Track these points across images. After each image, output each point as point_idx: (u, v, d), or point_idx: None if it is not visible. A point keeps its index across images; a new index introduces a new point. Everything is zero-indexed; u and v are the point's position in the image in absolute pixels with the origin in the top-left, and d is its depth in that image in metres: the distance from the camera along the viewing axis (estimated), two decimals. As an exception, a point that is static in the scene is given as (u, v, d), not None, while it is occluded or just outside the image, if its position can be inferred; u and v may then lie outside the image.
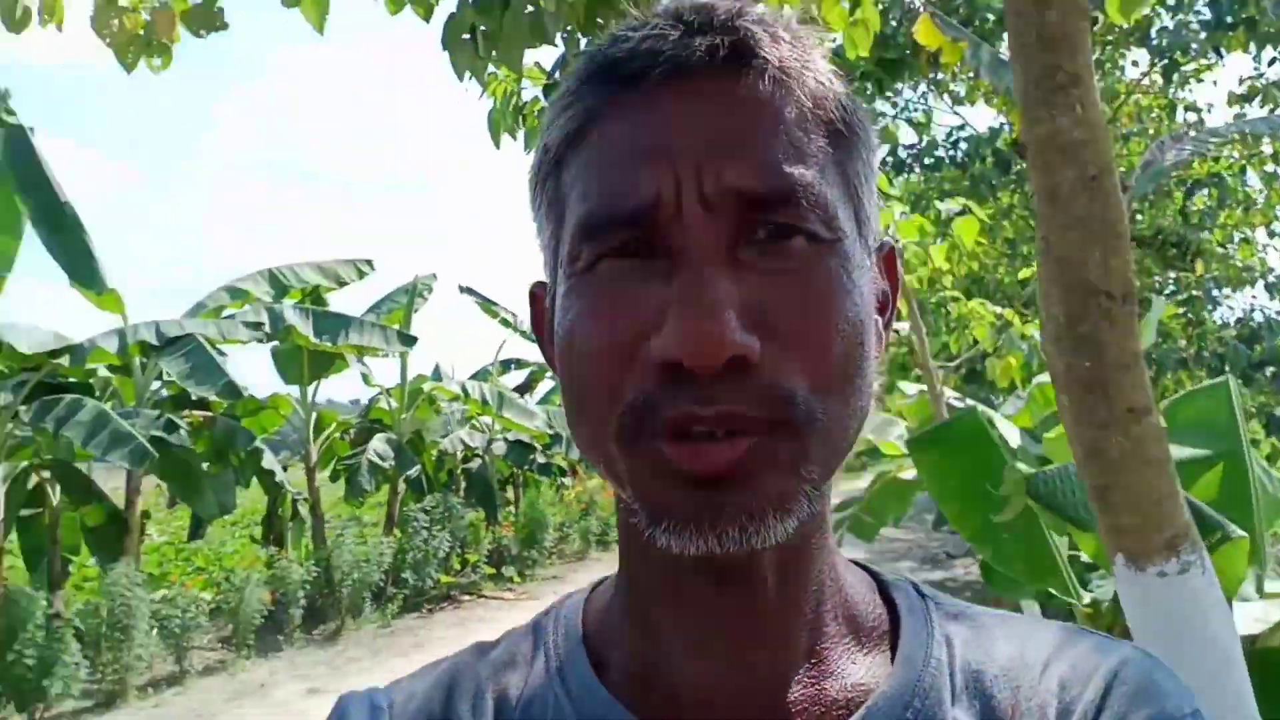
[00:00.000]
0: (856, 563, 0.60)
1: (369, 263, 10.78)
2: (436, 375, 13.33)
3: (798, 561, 0.52)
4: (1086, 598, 2.66)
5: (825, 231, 0.48)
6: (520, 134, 5.11)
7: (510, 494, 14.24)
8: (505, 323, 17.61)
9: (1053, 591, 2.67)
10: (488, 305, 17.36)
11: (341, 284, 10.39)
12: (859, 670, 0.54)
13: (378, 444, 10.19)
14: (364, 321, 9.50)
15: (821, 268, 0.48)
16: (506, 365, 19.22)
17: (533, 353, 20.34)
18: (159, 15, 3.61)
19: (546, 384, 18.98)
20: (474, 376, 14.28)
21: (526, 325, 14.35)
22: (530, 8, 3.71)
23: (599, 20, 4.00)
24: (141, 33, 3.68)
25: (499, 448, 12.13)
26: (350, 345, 9.34)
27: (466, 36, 3.82)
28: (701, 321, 0.45)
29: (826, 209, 0.49)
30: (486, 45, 3.85)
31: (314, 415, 10.42)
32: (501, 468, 13.34)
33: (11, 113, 7.92)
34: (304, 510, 10.09)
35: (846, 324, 0.48)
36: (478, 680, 0.58)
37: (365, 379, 11.20)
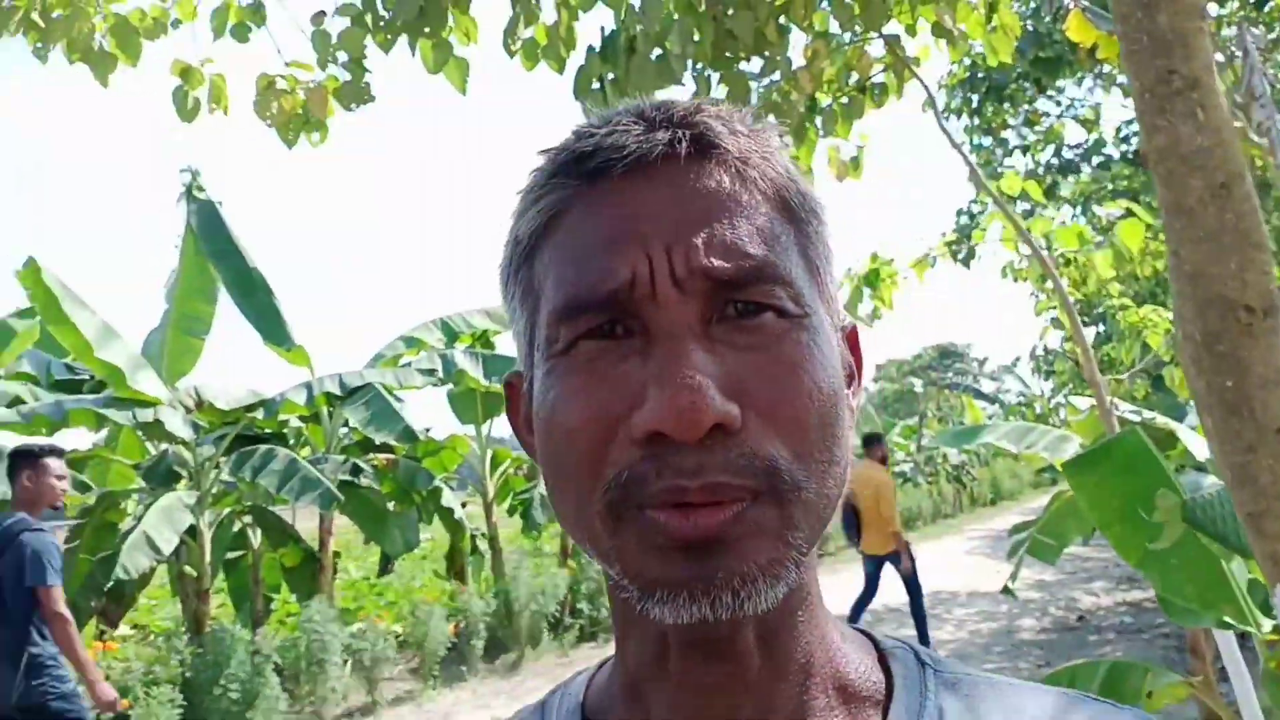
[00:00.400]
0: (860, 630, 0.60)
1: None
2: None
3: (782, 634, 0.53)
4: (1267, 625, 2.45)
5: (794, 307, 0.50)
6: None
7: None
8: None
9: (1229, 620, 2.48)
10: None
11: (509, 326, 10.79)
12: None
13: (548, 479, 10.45)
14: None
15: (792, 341, 0.50)
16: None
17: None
18: (313, 94, 3.88)
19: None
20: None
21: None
22: (657, 50, 3.80)
23: (727, 55, 4.05)
24: (300, 111, 3.97)
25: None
26: (517, 384, 9.66)
27: (596, 86, 3.94)
28: (682, 392, 0.46)
29: (793, 286, 0.50)
30: (615, 91, 3.96)
31: (489, 453, 10.83)
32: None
33: (201, 189, 8.68)
34: (483, 544, 10.47)
35: (821, 393, 0.49)
36: None
37: (534, 416, 11.57)
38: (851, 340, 0.58)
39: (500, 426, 10.90)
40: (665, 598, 0.48)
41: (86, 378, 8.42)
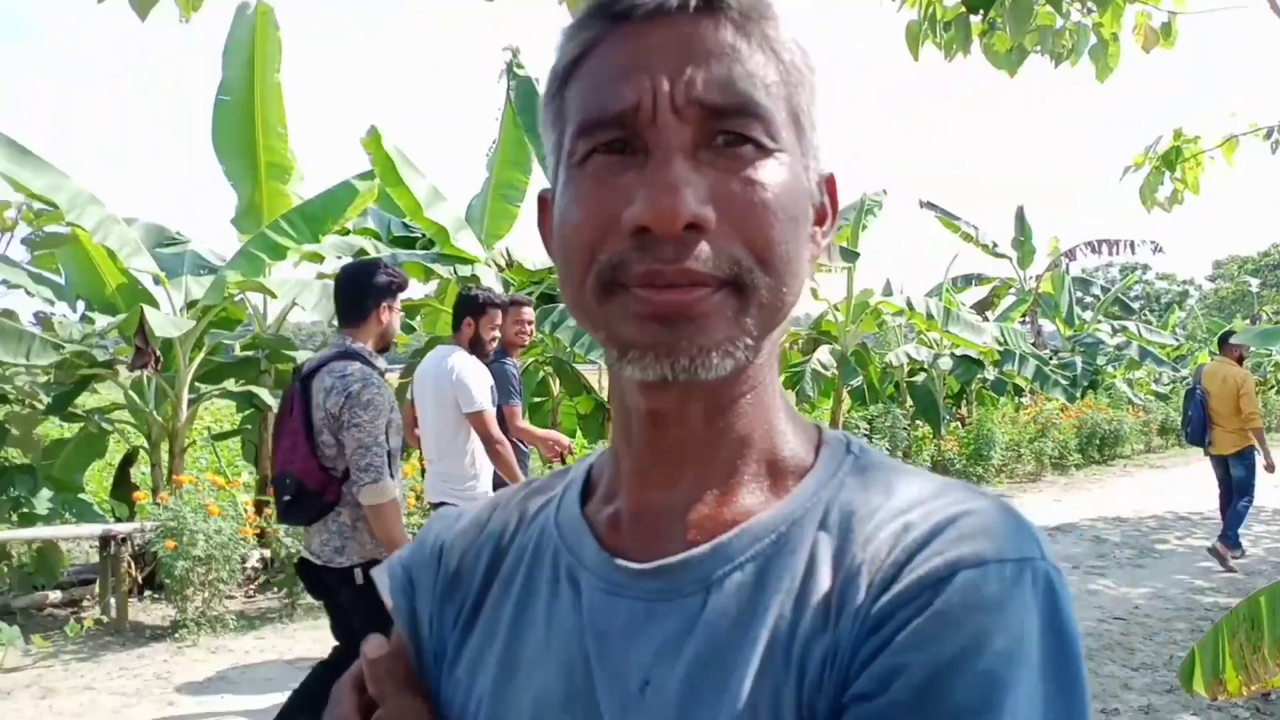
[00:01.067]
0: (820, 426, 0.71)
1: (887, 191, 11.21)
2: (887, 291, 13.52)
3: (726, 411, 0.63)
4: None
5: (770, 143, 0.59)
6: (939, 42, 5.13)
7: (964, 410, 14.08)
8: (967, 237, 17.16)
9: None
10: (949, 220, 17.05)
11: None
12: (756, 502, 0.64)
13: (823, 354, 10.72)
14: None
15: (765, 169, 0.59)
16: (967, 281, 18.76)
17: (994, 268, 19.60)
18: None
19: (1008, 299, 18.25)
20: (930, 293, 14.24)
21: (989, 240, 13.81)
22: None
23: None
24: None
25: (945, 363, 12.07)
26: (796, 259, 9.90)
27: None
28: (665, 193, 0.56)
29: (772, 125, 0.60)
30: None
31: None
32: (951, 384, 13.24)
33: (521, 66, 9.42)
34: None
35: (783, 215, 0.59)
36: (516, 499, 0.76)
37: (813, 293, 11.76)
38: (829, 186, 0.68)
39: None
40: (636, 358, 0.58)
41: (419, 235, 9.57)
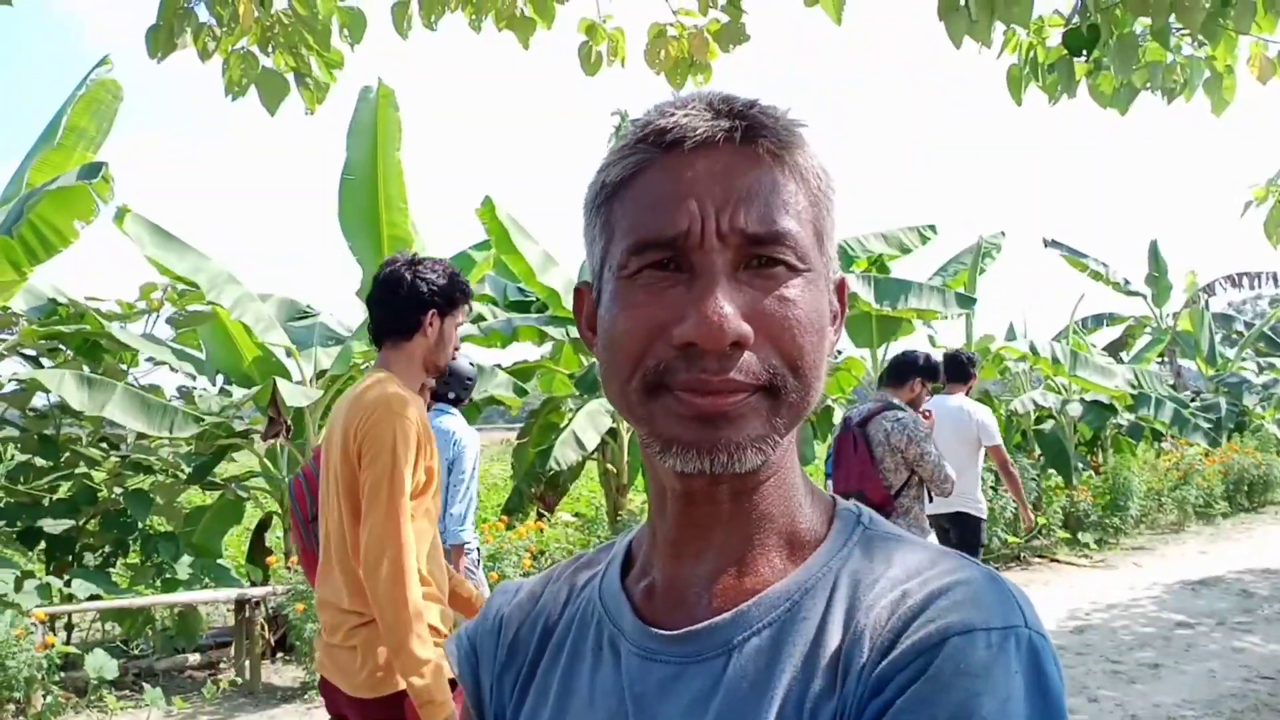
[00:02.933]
0: (835, 499, 0.78)
1: (932, 228, 11.05)
2: (1010, 335, 13.13)
3: (750, 492, 0.70)
4: None
5: (800, 264, 0.67)
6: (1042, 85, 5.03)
7: (1099, 458, 13.46)
8: (1096, 275, 16.56)
9: None
10: (1075, 258, 16.50)
11: (905, 250, 10.82)
12: (774, 572, 0.71)
13: (942, 403, 10.43)
14: (923, 286, 9.84)
15: (795, 288, 0.67)
16: (1098, 321, 18.04)
17: (1127, 306, 18.79)
18: (695, 39, 4.34)
19: (1144, 339, 17.46)
20: (1057, 336, 13.76)
21: (1120, 277, 13.32)
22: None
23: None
24: (685, 56, 4.45)
25: (1074, 409, 11.59)
26: (910, 309, 9.74)
27: (962, 3, 4.02)
28: (713, 315, 0.63)
29: (802, 248, 0.68)
30: (980, 7, 4.01)
31: (884, 376, 11.01)
32: (1084, 430, 12.69)
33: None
34: (875, 465, 10.73)
35: (811, 327, 0.67)
36: (567, 574, 0.84)
37: (931, 340, 11.52)
38: (839, 290, 0.75)
39: (894, 350, 10.99)
40: (679, 452, 0.66)
41: (534, 299, 9.84)
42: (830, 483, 4.96)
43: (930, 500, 4.95)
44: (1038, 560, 10.15)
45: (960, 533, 5.68)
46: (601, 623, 0.76)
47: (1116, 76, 4.54)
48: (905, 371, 5.13)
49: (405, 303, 2.48)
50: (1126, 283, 16.84)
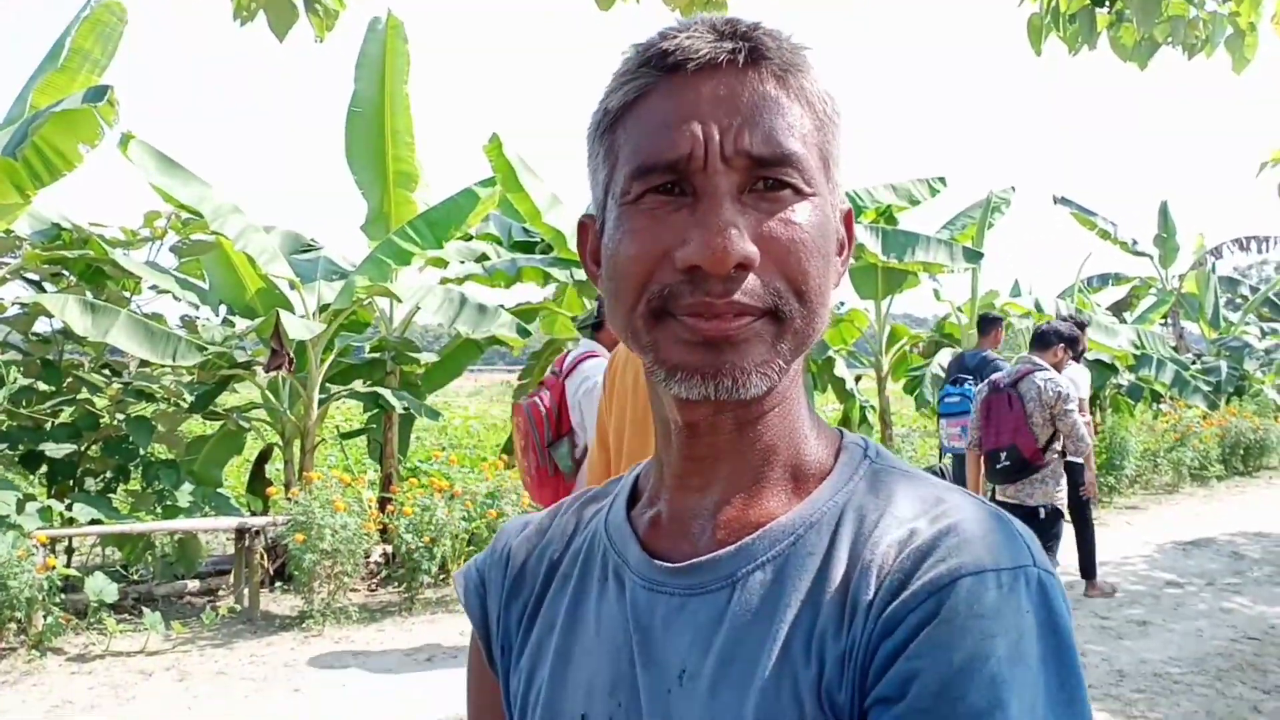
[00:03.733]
0: (842, 431, 0.76)
1: (941, 180, 10.95)
2: (1015, 292, 13.08)
3: (752, 424, 0.70)
4: None
5: (806, 187, 0.66)
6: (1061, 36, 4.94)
7: (1097, 417, 13.48)
8: (1104, 234, 16.45)
9: None
10: (1084, 216, 16.38)
11: (914, 202, 10.74)
12: (779, 505, 0.70)
13: (944, 357, 10.44)
14: (931, 239, 9.76)
15: (801, 211, 0.65)
16: (1103, 280, 17.97)
17: (1133, 267, 18.70)
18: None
19: (1148, 300, 17.41)
20: (1063, 294, 13.71)
21: (1128, 237, 13.25)
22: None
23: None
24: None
25: (1076, 367, 11.55)
26: (917, 262, 9.68)
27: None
28: (717, 236, 0.62)
29: (808, 171, 0.66)
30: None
31: (887, 328, 11.00)
32: (1084, 389, 12.67)
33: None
34: (872, 417, 10.77)
35: (817, 252, 0.66)
36: (574, 508, 0.84)
37: (936, 294, 11.47)
38: (847, 220, 0.74)
39: (900, 304, 10.99)
40: (683, 379, 0.65)
41: (538, 240, 9.76)
42: (979, 439, 5.44)
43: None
44: (1031, 516, 10.21)
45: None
46: (607, 554, 0.76)
47: (1138, 29, 4.47)
48: (1050, 339, 5.62)
49: None
50: (1134, 243, 16.73)
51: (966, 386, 7.16)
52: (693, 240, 0.63)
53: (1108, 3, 4.57)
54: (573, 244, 8.66)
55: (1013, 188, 11.77)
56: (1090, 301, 13.95)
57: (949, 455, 7.43)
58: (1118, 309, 17.46)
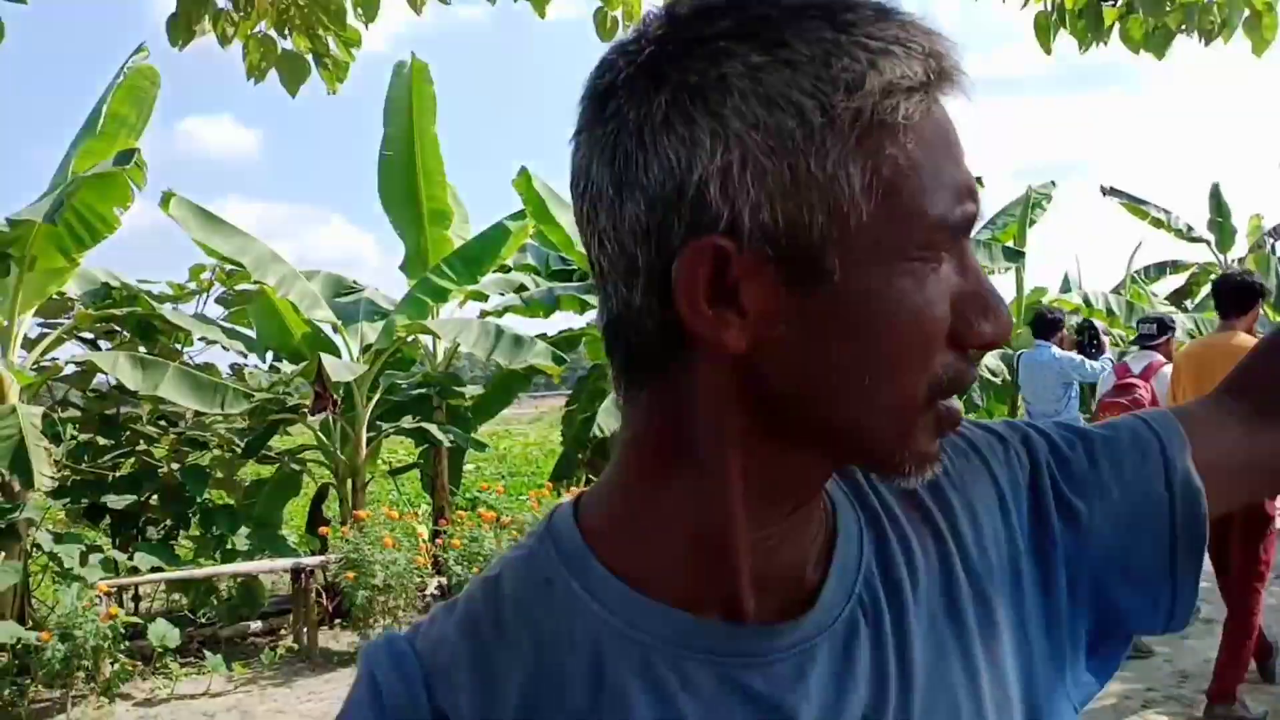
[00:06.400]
0: None
1: (979, 179, 10.84)
2: (1065, 287, 12.86)
3: None
4: None
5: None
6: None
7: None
8: (1157, 223, 16.09)
9: None
10: (1135, 205, 16.04)
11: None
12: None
13: (990, 359, 10.30)
14: (970, 240, 9.65)
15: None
16: (1160, 270, 17.54)
17: (1190, 254, 18.23)
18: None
19: (1208, 286, 16.96)
20: (1117, 286, 13.44)
21: (1182, 224, 12.98)
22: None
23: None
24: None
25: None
26: (957, 264, 9.58)
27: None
28: (1003, 307, 0.54)
29: None
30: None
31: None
32: (1141, 382, 12.39)
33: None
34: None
35: None
36: (508, 621, 0.59)
37: (980, 296, 11.33)
38: None
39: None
40: (926, 469, 0.55)
41: (575, 268, 9.87)
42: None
43: None
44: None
45: None
46: (651, 653, 0.57)
47: (1146, 20, 4.41)
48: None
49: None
50: (1189, 229, 16.34)
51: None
52: (993, 315, 0.53)
53: (1114, -4, 4.52)
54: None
55: (1053, 183, 11.64)
56: (1145, 292, 13.65)
57: None
58: (1177, 298, 17.04)
